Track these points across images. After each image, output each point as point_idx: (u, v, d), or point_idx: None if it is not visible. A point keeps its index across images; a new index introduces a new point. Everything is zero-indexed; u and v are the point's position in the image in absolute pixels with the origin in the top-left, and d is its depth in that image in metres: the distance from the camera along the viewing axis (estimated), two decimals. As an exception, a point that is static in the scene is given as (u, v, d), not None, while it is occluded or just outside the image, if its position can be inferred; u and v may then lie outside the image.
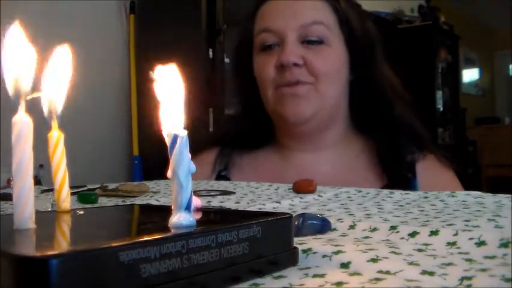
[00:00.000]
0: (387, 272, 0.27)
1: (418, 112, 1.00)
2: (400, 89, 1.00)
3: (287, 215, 0.31)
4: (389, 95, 0.97)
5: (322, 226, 0.40)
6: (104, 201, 0.67)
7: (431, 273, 0.27)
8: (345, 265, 0.29)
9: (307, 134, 0.96)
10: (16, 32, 0.30)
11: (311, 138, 0.97)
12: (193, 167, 0.28)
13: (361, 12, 1.02)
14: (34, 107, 0.31)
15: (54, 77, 0.33)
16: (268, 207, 0.57)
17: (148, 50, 2.48)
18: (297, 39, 0.93)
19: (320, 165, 0.96)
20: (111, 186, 0.77)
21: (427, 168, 0.94)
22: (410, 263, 0.29)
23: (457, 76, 5.21)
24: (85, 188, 0.81)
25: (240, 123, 1.07)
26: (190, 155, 0.28)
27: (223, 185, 0.84)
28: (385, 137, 0.97)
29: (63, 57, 0.33)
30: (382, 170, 0.93)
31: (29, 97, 0.29)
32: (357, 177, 0.93)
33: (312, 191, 0.68)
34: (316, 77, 0.92)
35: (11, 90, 0.29)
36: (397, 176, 0.92)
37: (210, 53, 2.39)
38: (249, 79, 1.00)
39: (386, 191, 0.68)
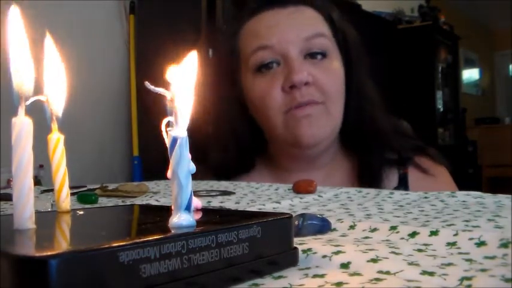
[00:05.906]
0: (387, 272, 0.27)
1: (416, 113, 0.99)
2: (379, 102, 0.95)
3: (287, 215, 0.31)
4: (371, 110, 0.93)
5: (322, 226, 0.40)
6: (104, 202, 0.67)
7: (431, 274, 0.27)
8: (345, 265, 0.29)
9: (313, 155, 0.91)
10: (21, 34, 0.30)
11: (312, 159, 0.93)
12: (193, 167, 0.28)
13: (349, 24, 0.96)
14: (34, 108, 0.31)
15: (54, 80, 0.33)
16: (268, 207, 0.57)
17: (148, 50, 2.48)
18: (299, 54, 0.86)
19: None
20: (111, 186, 0.77)
21: (415, 181, 0.92)
22: (410, 263, 0.29)
23: (457, 76, 5.20)
24: (85, 188, 0.81)
25: (223, 149, 0.96)
26: (190, 156, 0.28)
27: (223, 185, 0.84)
28: (365, 154, 0.93)
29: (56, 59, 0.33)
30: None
31: (30, 100, 0.29)
32: None
33: (312, 191, 0.68)
34: (325, 96, 0.86)
35: (13, 91, 0.29)
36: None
37: (210, 53, 2.39)
38: (235, 103, 0.92)
39: (386, 191, 0.67)
